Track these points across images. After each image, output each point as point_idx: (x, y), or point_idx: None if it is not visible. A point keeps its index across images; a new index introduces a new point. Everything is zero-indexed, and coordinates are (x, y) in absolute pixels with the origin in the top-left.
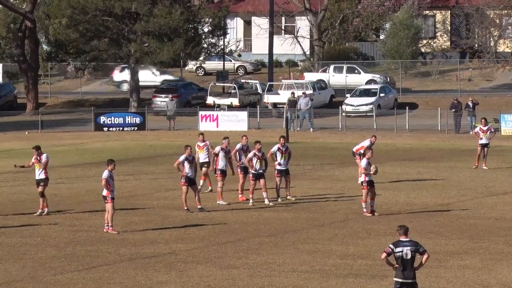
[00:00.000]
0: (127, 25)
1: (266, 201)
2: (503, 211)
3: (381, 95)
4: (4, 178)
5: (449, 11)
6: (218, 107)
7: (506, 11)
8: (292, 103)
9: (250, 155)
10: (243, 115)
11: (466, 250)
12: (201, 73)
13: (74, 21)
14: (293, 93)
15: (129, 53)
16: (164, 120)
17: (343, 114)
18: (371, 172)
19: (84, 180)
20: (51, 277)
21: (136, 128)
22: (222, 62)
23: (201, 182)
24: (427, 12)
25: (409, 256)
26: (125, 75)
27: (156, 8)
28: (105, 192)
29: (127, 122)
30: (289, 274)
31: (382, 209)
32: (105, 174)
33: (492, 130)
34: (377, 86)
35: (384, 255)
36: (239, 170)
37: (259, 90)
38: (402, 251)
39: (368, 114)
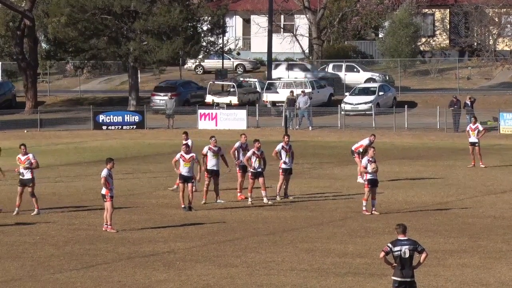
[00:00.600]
0: (126, 23)
1: (265, 200)
2: (502, 209)
3: (380, 93)
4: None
5: (448, 10)
6: (217, 105)
7: (505, 9)
8: (291, 101)
9: (249, 153)
10: (242, 113)
11: (465, 249)
12: (200, 71)
13: (73, 19)
14: (292, 91)
15: (128, 51)
16: (163, 118)
17: (342, 112)
18: (370, 171)
19: (83, 178)
20: (49, 275)
21: (135, 126)
22: (221, 60)
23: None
24: (426, 10)
25: (407, 255)
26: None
27: (155, 6)
28: (104, 191)
29: (126, 120)
30: (288, 273)
31: (381, 207)
32: (104, 172)
33: (481, 129)
34: (376, 85)
35: (382, 254)
36: (237, 168)
37: (258, 89)
38: (400, 250)
39: (367, 112)
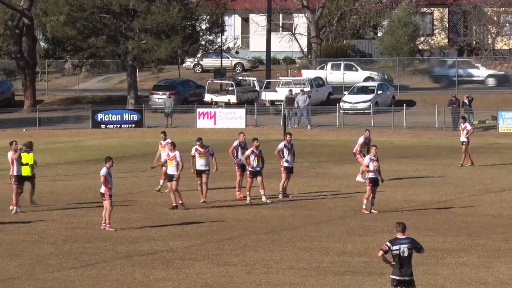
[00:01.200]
0: (124, 22)
1: (264, 199)
2: (500, 208)
3: (379, 92)
4: (1, 176)
5: (447, 9)
6: (216, 104)
7: (503, 8)
8: (290, 100)
9: (247, 152)
10: (241, 112)
11: (464, 247)
12: (199, 70)
13: (71, 18)
14: (290, 90)
15: (126, 50)
16: (161, 117)
17: (341, 111)
18: (372, 170)
19: (81, 177)
20: (48, 274)
21: (133, 125)
22: (219, 59)
23: (161, 181)
24: (425, 9)
25: (406, 254)
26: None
27: (153, 5)
28: (103, 189)
29: (124, 119)
30: (287, 271)
31: (380, 206)
32: (103, 171)
33: (469, 128)
34: (374, 84)
35: (380, 253)
36: (236, 167)
37: (257, 88)
38: (399, 249)
39: (365, 111)
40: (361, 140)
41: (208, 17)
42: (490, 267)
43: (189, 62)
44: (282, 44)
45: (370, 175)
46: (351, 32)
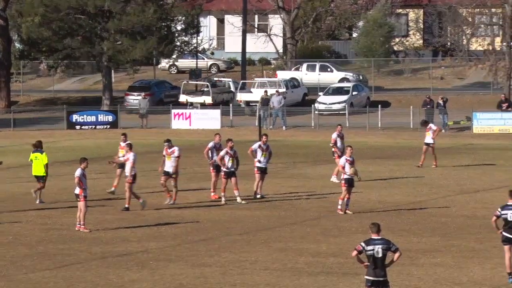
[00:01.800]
0: (100, 23)
1: (238, 199)
2: (474, 209)
3: (354, 93)
4: None
5: (422, 10)
6: (191, 105)
7: (478, 9)
8: (265, 101)
9: (222, 153)
10: (216, 113)
11: (438, 248)
12: (174, 71)
13: (46, 19)
14: (266, 91)
15: (101, 51)
16: (136, 118)
17: (316, 112)
18: (348, 173)
19: (56, 178)
20: (22, 275)
21: (108, 126)
22: (195, 60)
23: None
24: (400, 10)
25: (380, 254)
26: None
27: (129, 6)
28: (77, 190)
29: (99, 120)
30: (261, 272)
31: (354, 207)
32: (78, 172)
33: (434, 129)
34: (349, 84)
35: (354, 252)
36: (211, 168)
37: (232, 88)
38: (373, 250)
39: (340, 112)
40: (334, 136)
41: (183, 18)
42: (464, 268)
43: (164, 63)
44: (257, 45)
45: (346, 175)
46: (327, 33)
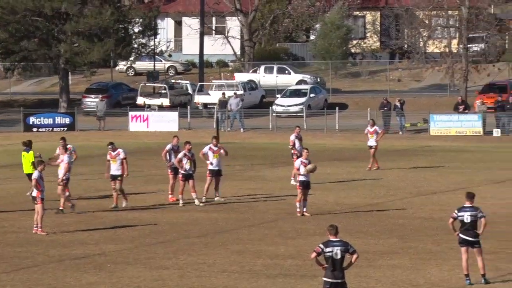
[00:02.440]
0: (57, 25)
1: (196, 202)
2: (431, 211)
3: (311, 95)
4: None
5: (379, 12)
6: (149, 107)
7: (435, 12)
8: (223, 103)
9: (180, 155)
10: (174, 115)
11: (395, 250)
12: (132, 73)
13: (3, 21)
14: (223, 93)
15: (58, 53)
16: (94, 120)
17: (274, 114)
18: (303, 173)
19: (13, 181)
20: None
21: (65, 128)
22: (152, 62)
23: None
24: (357, 12)
25: (339, 256)
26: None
27: (86, 8)
28: (35, 193)
29: (56, 122)
30: (219, 275)
31: (312, 209)
32: (35, 174)
33: (379, 131)
34: (307, 87)
35: (313, 254)
36: (169, 170)
37: (190, 91)
38: (332, 251)
39: (298, 114)
40: (292, 137)
41: (140, 20)
42: (422, 270)
43: (121, 65)
44: (215, 47)
45: (301, 178)
46: (284, 36)
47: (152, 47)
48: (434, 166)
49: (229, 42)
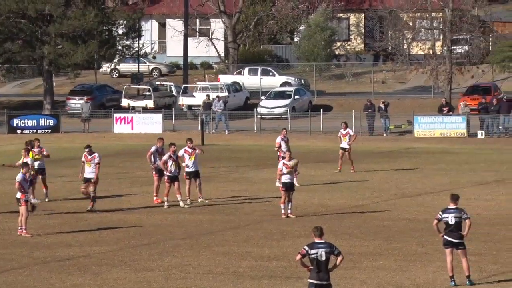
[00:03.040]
0: (40, 27)
1: (181, 204)
2: (416, 212)
3: (296, 97)
4: None
5: (363, 14)
6: (133, 109)
7: (418, 14)
8: (207, 105)
9: (165, 157)
10: (158, 117)
11: (380, 251)
12: (116, 75)
13: None
14: (208, 95)
15: (42, 55)
16: (78, 122)
17: (258, 116)
18: (286, 172)
19: None
20: None
21: (50, 130)
22: (136, 64)
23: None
24: (341, 14)
25: (323, 258)
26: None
27: (69, 10)
28: (19, 195)
29: (40, 124)
30: (204, 276)
31: (297, 210)
32: (19, 177)
33: (351, 134)
34: (291, 89)
35: (299, 256)
36: (153, 172)
37: (174, 92)
38: (317, 253)
39: (282, 116)
40: (278, 139)
41: (124, 22)
42: (407, 271)
43: (105, 67)
44: (199, 49)
45: (283, 179)
46: (268, 37)
47: (136, 49)
48: (418, 168)
49: (213, 44)
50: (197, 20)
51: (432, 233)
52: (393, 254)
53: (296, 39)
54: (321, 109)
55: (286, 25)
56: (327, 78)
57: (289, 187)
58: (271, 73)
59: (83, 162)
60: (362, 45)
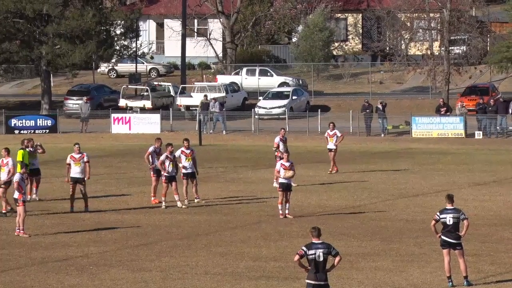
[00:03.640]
0: (38, 27)
1: (179, 204)
2: (414, 213)
3: (294, 97)
4: None
5: (361, 14)
6: (131, 109)
7: (416, 14)
8: (205, 105)
9: (162, 157)
10: (156, 117)
11: (378, 252)
12: (114, 75)
13: None
14: (205, 95)
15: (40, 55)
16: (76, 122)
17: (256, 116)
18: (282, 177)
19: None
20: None
21: (47, 130)
22: (134, 64)
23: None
24: (339, 15)
25: (321, 259)
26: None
27: (67, 10)
28: (16, 195)
29: (38, 124)
30: (202, 277)
31: (295, 211)
32: (17, 177)
33: (339, 135)
34: (289, 89)
35: (297, 257)
36: (151, 173)
37: (172, 93)
38: (314, 254)
39: (280, 116)
40: (277, 140)
41: (122, 22)
42: (404, 272)
43: (103, 67)
44: (197, 50)
45: (281, 180)
46: (266, 38)
47: (134, 49)
48: (416, 168)
49: (211, 44)
50: (195, 20)
51: (430, 233)
52: (390, 255)
53: (294, 39)
54: (319, 110)
55: (284, 25)
56: (325, 79)
57: (286, 188)
58: (269, 74)
59: (68, 163)
60: (360, 46)
